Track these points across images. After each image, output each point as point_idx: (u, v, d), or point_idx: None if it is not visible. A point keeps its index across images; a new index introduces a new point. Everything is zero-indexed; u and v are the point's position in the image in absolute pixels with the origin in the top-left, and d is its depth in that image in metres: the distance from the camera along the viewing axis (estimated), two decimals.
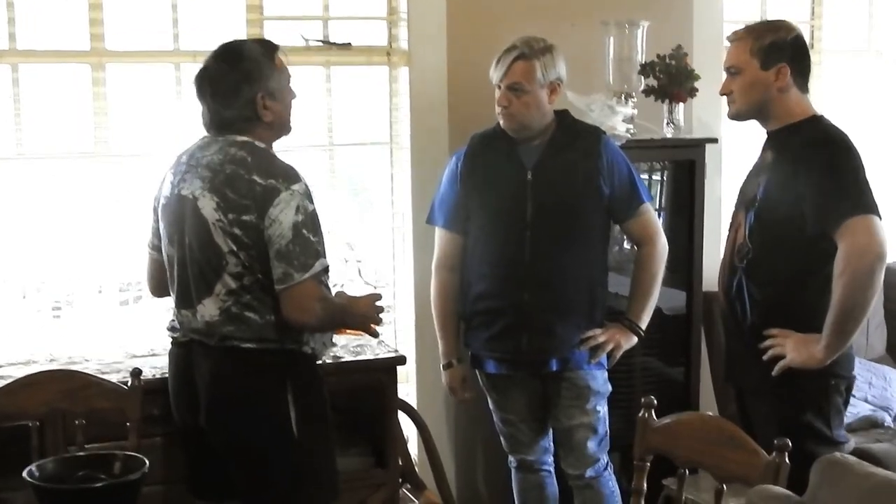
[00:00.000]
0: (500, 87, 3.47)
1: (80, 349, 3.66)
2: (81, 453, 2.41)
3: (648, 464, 2.67)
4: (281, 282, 2.84)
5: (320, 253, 2.89)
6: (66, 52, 3.84)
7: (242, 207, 2.84)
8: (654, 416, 2.67)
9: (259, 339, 2.91)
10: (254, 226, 2.84)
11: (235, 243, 2.86)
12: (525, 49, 3.44)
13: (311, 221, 2.87)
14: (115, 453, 2.26)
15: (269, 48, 3.04)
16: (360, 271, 3.58)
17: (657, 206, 4.21)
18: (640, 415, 2.68)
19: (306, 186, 2.90)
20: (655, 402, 2.67)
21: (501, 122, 3.52)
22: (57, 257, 3.89)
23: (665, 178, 4.28)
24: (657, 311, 4.02)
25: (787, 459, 2.32)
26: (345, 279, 3.51)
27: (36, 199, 3.83)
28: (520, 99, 3.44)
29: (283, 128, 3.07)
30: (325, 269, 2.91)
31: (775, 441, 2.35)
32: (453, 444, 4.30)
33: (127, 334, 3.81)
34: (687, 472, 2.62)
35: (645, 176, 4.20)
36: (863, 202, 2.98)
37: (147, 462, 2.16)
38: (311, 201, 2.90)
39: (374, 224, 4.32)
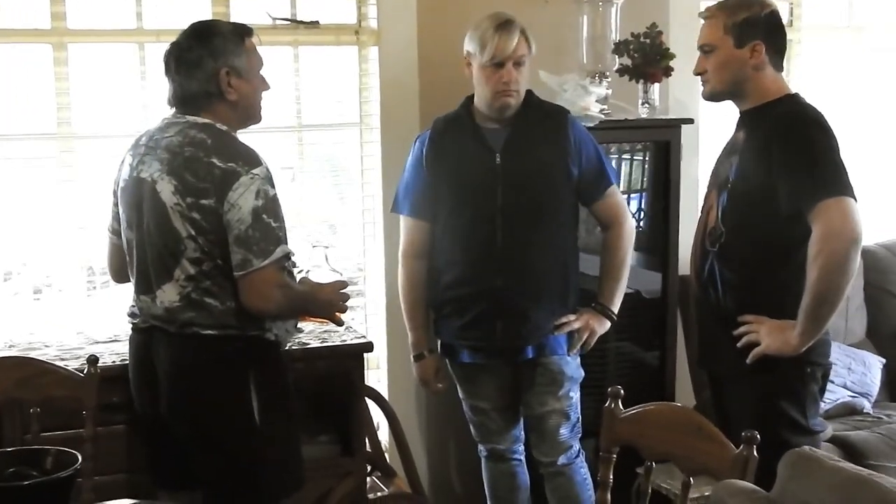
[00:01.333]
0: (500, 65, 3.33)
1: (47, 334, 3.60)
2: (10, 449, 2.33)
3: (615, 456, 2.60)
4: (240, 268, 2.77)
5: (281, 239, 2.82)
6: (27, 31, 3.74)
7: (201, 191, 2.77)
8: (622, 406, 2.60)
9: (220, 325, 2.85)
10: (212, 210, 2.77)
11: (194, 228, 2.79)
12: (517, 21, 3.36)
13: (271, 206, 2.80)
14: (48, 448, 2.17)
15: (240, 29, 2.99)
16: (326, 257, 3.50)
17: (640, 188, 4.16)
18: (607, 405, 2.61)
19: (267, 170, 2.83)
20: (622, 391, 2.60)
21: (501, 102, 3.37)
22: (24, 239, 3.81)
23: (647, 158, 4.20)
24: (633, 294, 3.99)
25: (755, 452, 2.25)
26: (310, 265, 3.42)
27: None
28: (521, 74, 3.37)
29: (249, 111, 3.00)
30: (287, 256, 2.85)
31: (743, 434, 2.28)
32: (425, 432, 4.25)
33: (92, 320, 3.72)
34: (653, 464, 2.55)
35: (626, 156, 4.14)
36: (838, 184, 2.91)
37: (80, 457, 2.07)
38: (273, 186, 2.83)
39: (344, 207, 4.23)
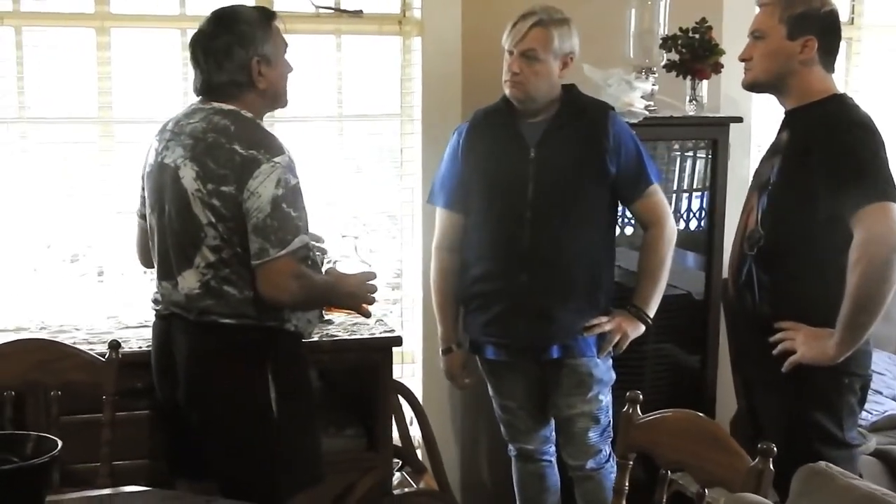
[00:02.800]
0: (511, 53, 3.34)
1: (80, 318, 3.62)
2: None
3: (631, 462, 2.53)
4: (257, 257, 2.75)
5: (300, 229, 2.78)
6: (71, 14, 3.76)
7: (222, 178, 2.75)
8: (639, 412, 2.52)
9: (238, 314, 2.82)
10: (232, 197, 2.74)
11: (214, 215, 2.77)
12: (544, 16, 3.31)
13: (292, 196, 2.76)
14: (29, 434, 2.16)
15: (266, 14, 2.97)
16: (356, 248, 3.46)
17: (689, 187, 4.06)
18: (624, 410, 2.54)
19: (290, 159, 2.80)
20: (641, 396, 2.53)
21: (508, 91, 3.37)
22: (65, 222, 3.84)
23: (696, 156, 4.11)
24: (683, 295, 3.90)
25: (770, 465, 2.16)
26: (340, 255, 3.39)
27: (38, 161, 3.77)
28: (531, 67, 3.31)
29: (277, 98, 2.98)
30: (306, 246, 2.82)
31: (759, 445, 2.19)
32: (458, 428, 4.20)
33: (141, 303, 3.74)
34: (669, 472, 2.47)
35: (676, 154, 4.05)
36: (881, 188, 2.80)
37: (60, 444, 2.05)
38: (295, 175, 2.80)
39: (382, 199, 4.19)
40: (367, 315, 3.12)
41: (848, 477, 1.96)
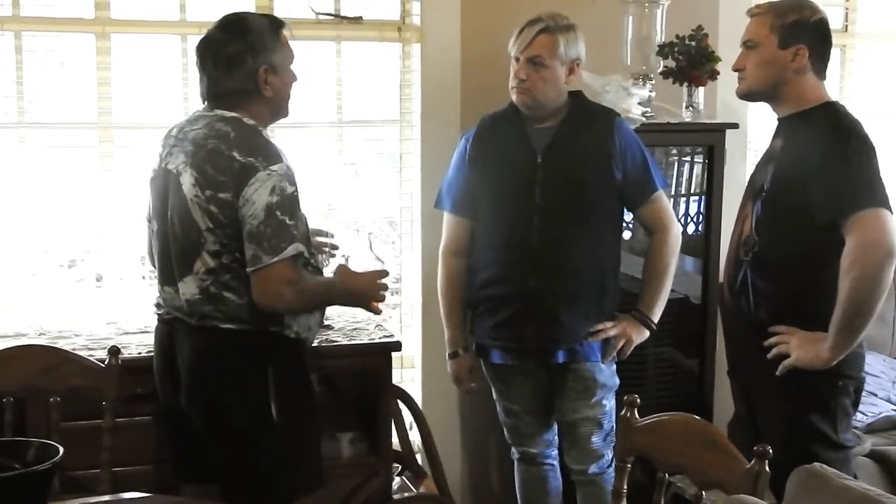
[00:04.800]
0: (518, 60, 3.36)
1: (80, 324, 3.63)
2: None
3: (629, 466, 2.55)
4: (251, 263, 2.76)
5: (295, 237, 2.79)
6: (71, 20, 3.78)
7: (220, 184, 2.77)
8: (637, 415, 2.55)
9: (237, 319, 2.84)
10: (229, 204, 2.76)
11: (212, 221, 2.78)
12: (550, 22, 3.34)
13: (287, 204, 2.78)
14: (30, 441, 2.16)
15: (274, 23, 2.98)
16: (370, 244, 3.47)
17: (687, 192, 4.08)
18: (622, 413, 2.56)
19: (287, 168, 2.81)
20: (639, 400, 2.55)
21: (514, 97, 3.39)
22: (64, 227, 3.86)
23: (693, 162, 4.13)
24: (681, 298, 3.92)
25: (766, 467, 2.19)
26: (353, 251, 3.40)
27: (37, 166, 3.78)
28: (538, 73, 3.33)
29: (280, 107, 2.99)
30: (301, 254, 2.82)
31: (755, 448, 2.22)
32: (461, 432, 4.21)
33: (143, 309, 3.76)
34: (667, 475, 2.49)
35: (674, 160, 4.07)
36: (873, 195, 2.84)
37: (61, 450, 2.06)
38: (292, 183, 2.81)
39: (381, 205, 4.21)
40: (378, 312, 3.12)
41: (843, 478, 1.98)
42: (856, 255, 2.80)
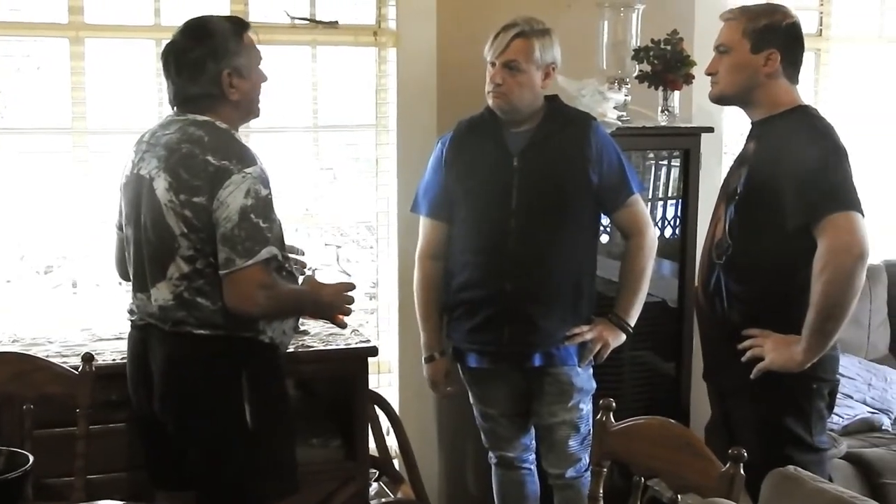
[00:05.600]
0: (493, 64, 3.36)
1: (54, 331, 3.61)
2: None
3: (605, 470, 2.55)
4: (224, 266, 2.74)
5: (269, 240, 2.77)
6: (44, 24, 3.75)
7: (194, 188, 2.75)
8: (613, 419, 2.55)
9: (211, 325, 2.82)
10: (204, 207, 2.75)
11: (186, 225, 2.77)
12: (525, 27, 3.34)
13: (262, 207, 2.76)
14: (0, 449, 2.15)
15: (238, 25, 2.96)
16: (337, 257, 3.47)
17: (664, 196, 4.10)
18: (598, 417, 2.56)
19: (262, 170, 2.80)
20: (614, 404, 2.55)
21: (491, 101, 3.39)
22: (39, 233, 3.84)
23: (669, 166, 4.14)
24: (658, 302, 3.93)
25: (741, 470, 2.19)
26: (321, 264, 3.39)
27: (12, 172, 3.76)
28: (514, 78, 3.33)
29: (250, 109, 2.98)
30: (274, 257, 2.81)
31: (730, 451, 2.22)
32: (438, 437, 4.20)
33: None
34: (643, 479, 2.50)
35: (651, 163, 4.09)
36: (845, 198, 2.86)
37: (31, 459, 2.04)
38: (266, 186, 2.80)
39: (358, 209, 4.21)
40: (343, 326, 3.13)
41: (817, 481, 1.99)
42: (828, 258, 2.82)
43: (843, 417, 4.09)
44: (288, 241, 3.01)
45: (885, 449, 4.01)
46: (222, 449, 2.87)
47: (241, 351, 2.87)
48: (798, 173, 2.89)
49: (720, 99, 3.16)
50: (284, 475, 2.97)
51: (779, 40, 3.04)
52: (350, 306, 3.06)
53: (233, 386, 2.84)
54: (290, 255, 3.04)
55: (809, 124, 3.01)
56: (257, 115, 3.03)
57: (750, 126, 3.15)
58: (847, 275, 2.81)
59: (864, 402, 4.25)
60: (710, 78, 3.19)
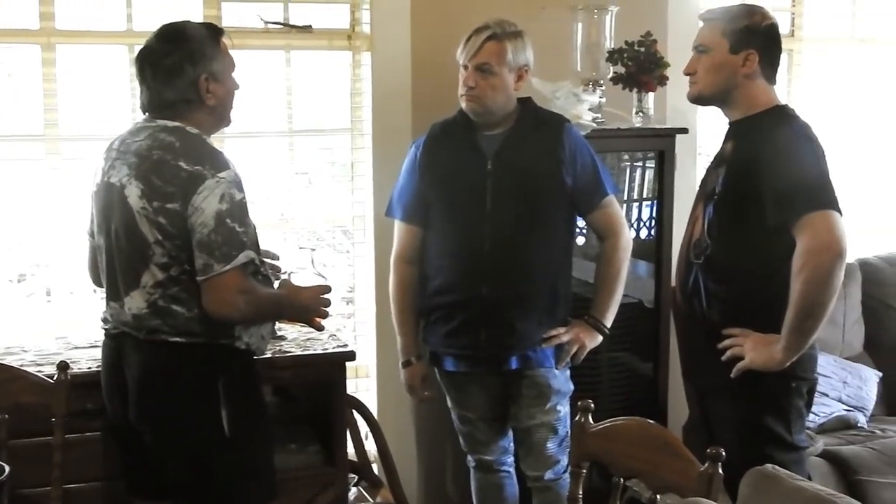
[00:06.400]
0: (466, 68, 3.36)
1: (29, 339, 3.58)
2: None
3: (584, 471, 2.55)
4: (202, 272, 2.72)
5: (245, 244, 2.76)
6: (15, 30, 3.73)
7: (167, 195, 2.73)
8: (591, 420, 2.55)
9: (187, 332, 2.80)
10: (178, 214, 2.73)
11: (161, 232, 2.75)
12: (497, 30, 3.33)
13: (237, 211, 2.75)
14: None
15: (213, 30, 2.94)
16: (312, 260, 3.46)
17: (639, 197, 4.11)
18: (576, 419, 2.56)
19: (235, 174, 2.79)
20: (592, 405, 2.55)
21: (464, 105, 3.39)
22: (12, 241, 3.82)
23: (644, 167, 4.16)
24: (635, 303, 3.94)
25: (720, 469, 2.20)
26: (296, 267, 3.38)
27: None
28: (487, 80, 3.32)
29: (223, 115, 2.96)
30: (252, 261, 2.79)
31: (708, 451, 2.23)
32: (416, 441, 4.20)
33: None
34: (622, 480, 2.50)
35: (626, 165, 4.09)
36: (823, 197, 2.87)
37: (7, 469, 2.03)
38: (241, 190, 2.78)
39: (334, 214, 4.20)
40: (320, 328, 3.11)
41: (795, 479, 2.00)
42: (806, 257, 2.83)
43: (818, 415, 4.11)
44: (263, 245, 2.99)
45: (860, 446, 4.04)
46: (200, 456, 2.85)
47: (218, 358, 2.85)
48: (776, 173, 2.90)
49: (698, 99, 3.17)
50: (263, 481, 2.96)
51: (757, 41, 3.05)
52: (327, 309, 3.05)
53: (210, 393, 2.82)
54: (266, 260, 3.02)
55: (787, 124, 3.02)
56: (229, 124, 3.02)
57: (727, 126, 3.16)
58: (826, 274, 2.83)
59: (840, 400, 4.28)
60: (687, 78, 3.19)
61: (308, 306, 3.01)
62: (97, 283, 3.13)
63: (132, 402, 2.88)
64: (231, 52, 2.95)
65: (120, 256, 2.83)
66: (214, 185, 2.72)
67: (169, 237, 2.74)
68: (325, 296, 3.03)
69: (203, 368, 2.83)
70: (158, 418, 2.85)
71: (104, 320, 2.98)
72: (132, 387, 2.88)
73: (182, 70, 2.83)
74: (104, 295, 2.97)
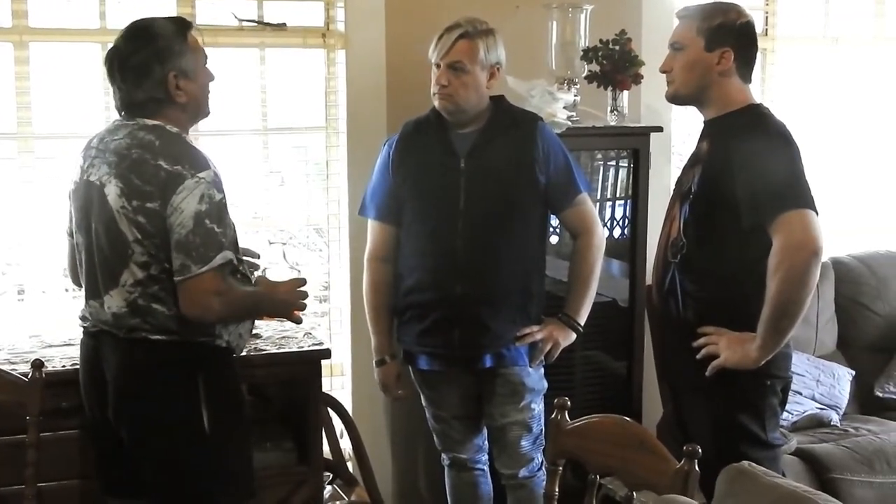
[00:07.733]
0: (438, 66, 3.36)
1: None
2: None
3: (560, 468, 2.56)
4: (179, 273, 2.71)
5: (223, 245, 2.75)
6: None
7: (146, 194, 2.72)
8: (567, 418, 2.56)
9: (167, 331, 2.79)
10: (157, 213, 2.72)
11: (140, 231, 2.73)
12: (469, 28, 3.33)
13: (216, 211, 2.74)
14: None
15: (181, 25, 2.91)
16: (284, 254, 3.45)
17: (613, 196, 4.12)
18: (553, 416, 2.57)
19: (215, 175, 2.77)
20: (569, 402, 2.56)
21: (437, 103, 3.39)
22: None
23: (619, 165, 4.17)
24: (608, 302, 3.95)
25: (696, 467, 2.21)
26: (268, 262, 3.37)
27: None
28: (459, 79, 3.32)
29: (198, 110, 2.94)
30: (229, 262, 2.78)
31: (684, 448, 2.24)
32: (391, 439, 4.20)
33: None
34: (598, 477, 2.51)
35: (599, 163, 4.10)
36: (799, 196, 2.88)
37: None
38: (220, 190, 2.77)
39: (308, 212, 4.19)
40: (299, 321, 3.10)
41: (771, 476, 2.01)
42: (782, 256, 2.84)
43: (792, 413, 4.13)
44: (242, 244, 2.98)
45: (833, 444, 4.07)
46: (179, 454, 2.84)
47: (198, 356, 2.84)
48: (751, 172, 2.91)
49: (675, 98, 3.18)
50: (242, 480, 2.95)
51: (732, 39, 3.06)
52: (304, 301, 3.04)
53: (189, 391, 2.82)
54: (245, 258, 3.02)
55: (762, 123, 3.03)
56: (207, 115, 3.00)
57: (703, 125, 3.17)
58: (801, 272, 2.84)
59: (813, 399, 4.30)
60: (663, 77, 3.20)
61: (285, 300, 2.99)
62: (77, 283, 3.11)
63: (111, 401, 2.86)
64: (202, 45, 2.93)
65: (99, 255, 2.82)
66: (194, 185, 2.71)
67: (148, 236, 2.73)
68: (302, 288, 3.03)
69: (183, 366, 2.82)
70: (137, 416, 2.84)
71: (83, 318, 2.97)
72: (111, 385, 2.86)
73: (150, 69, 2.80)
74: (84, 293, 2.95)
